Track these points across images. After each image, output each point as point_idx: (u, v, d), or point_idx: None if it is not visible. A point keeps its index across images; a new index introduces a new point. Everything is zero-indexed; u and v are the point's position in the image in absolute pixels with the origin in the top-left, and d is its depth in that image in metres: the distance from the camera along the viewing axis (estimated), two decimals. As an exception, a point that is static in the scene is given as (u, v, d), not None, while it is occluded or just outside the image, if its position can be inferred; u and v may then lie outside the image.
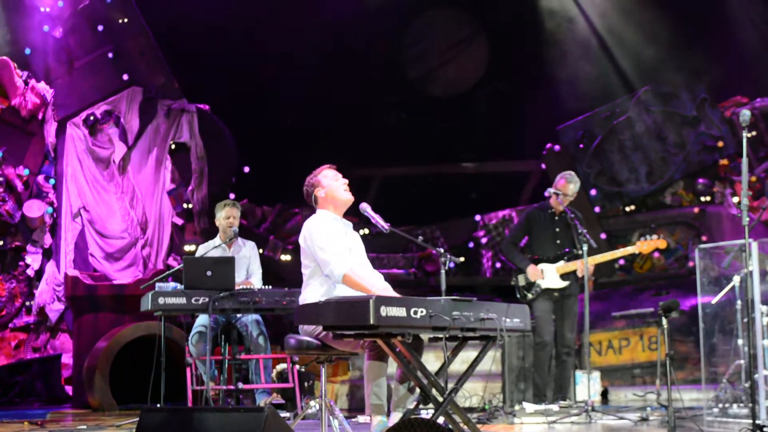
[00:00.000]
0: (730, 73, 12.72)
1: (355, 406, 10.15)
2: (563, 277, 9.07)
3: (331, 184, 6.23)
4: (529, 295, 9.08)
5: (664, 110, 12.99)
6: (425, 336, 5.78)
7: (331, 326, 5.40)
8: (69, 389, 11.33)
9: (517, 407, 8.99)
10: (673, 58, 12.79)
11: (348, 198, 6.27)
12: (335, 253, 5.96)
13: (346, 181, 6.29)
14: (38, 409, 10.39)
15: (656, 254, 12.68)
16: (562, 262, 9.06)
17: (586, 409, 8.24)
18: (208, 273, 7.61)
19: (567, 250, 9.11)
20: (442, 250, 6.11)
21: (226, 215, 8.73)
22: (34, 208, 11.87)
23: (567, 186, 9.11)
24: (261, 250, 9.46)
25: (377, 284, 6.05)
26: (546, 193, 9.19)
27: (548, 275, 9.07)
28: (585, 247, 8.62)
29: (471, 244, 14.19)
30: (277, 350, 8.91)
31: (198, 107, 12.69)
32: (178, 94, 12.65)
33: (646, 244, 8.86)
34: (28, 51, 12.13)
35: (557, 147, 13.62)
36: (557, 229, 9.18)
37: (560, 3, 13.66)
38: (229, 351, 8.26)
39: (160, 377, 7.68)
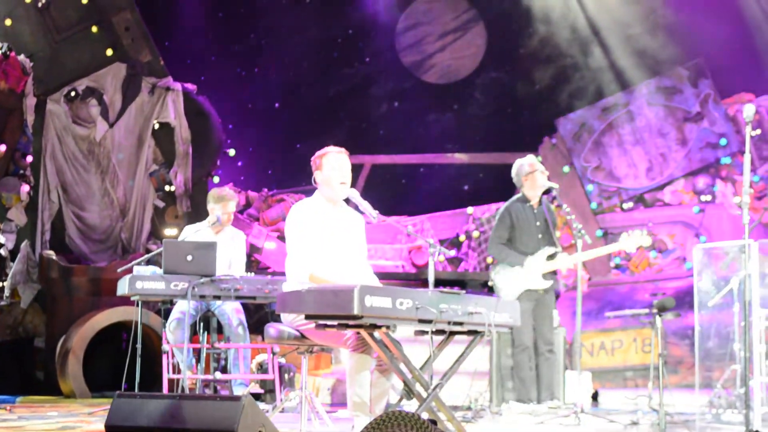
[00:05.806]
0: (737, 68, 12.48)
1: (338, 400, 10.00)
2: (546, 276, 8.75)
3: (329, 174, 6.07)
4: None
5: (666, 105, 12.84)
6: (411, 328, 5.62)
7: (313, 315, 5.28)
8: (41, 374, 11.21)
9: (503, 406, 8.74)
10: (677, 50, 12.58)
11: (341, 194, 6.12)
12: (304, 255, 5.88)
13: (347, 177, 6.12)
14: (8, 394, 10.17)
15: (652, 254, 12.50)
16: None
17: (575, 410, 8.02)
18: (189, 258, 7.46)
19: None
20: (432, 242, 6.05)
21: (224, 211, 8.45)
22: (9, 186, 11.62)
23: (540, 175, 8.73)
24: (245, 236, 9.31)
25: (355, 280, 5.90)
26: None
27: (532, 274, 8.73)
28: (579, 243, 8.27)
29: (462, 237, 14.04)
30: (258, 341, 8.77)
31: (184, 86, 12.43)
32: (164, 72, 12.40)
33: (630, 241, 8.51)
34: (8, 22, 11.84)
35: (554, 139, 13.44)
36: (538, 224, 8.83)
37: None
38: (208, 339, 8.12)
39: (135, 364, 7.55)
